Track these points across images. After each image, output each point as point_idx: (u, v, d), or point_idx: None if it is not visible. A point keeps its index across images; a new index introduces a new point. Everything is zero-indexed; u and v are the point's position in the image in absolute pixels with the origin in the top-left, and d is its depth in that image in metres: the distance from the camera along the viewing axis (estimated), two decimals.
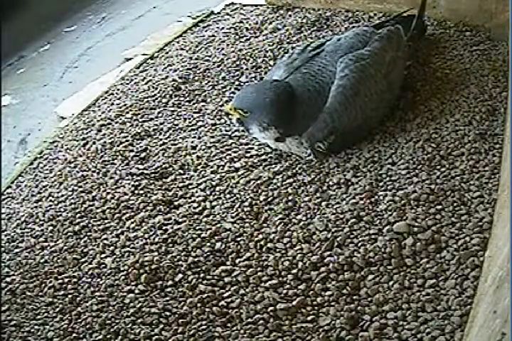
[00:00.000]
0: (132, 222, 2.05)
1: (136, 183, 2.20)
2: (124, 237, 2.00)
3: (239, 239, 1.92)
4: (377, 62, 2.18)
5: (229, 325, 1.68)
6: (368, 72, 2.14)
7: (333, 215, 1.93)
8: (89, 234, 2.05)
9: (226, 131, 2.40)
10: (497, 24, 2.61)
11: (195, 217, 2.03)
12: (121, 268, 1.88)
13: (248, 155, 2.25)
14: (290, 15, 3.12)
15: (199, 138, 2.39)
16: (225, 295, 1.75)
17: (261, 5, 3.27)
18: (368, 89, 2.13)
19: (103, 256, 1.96)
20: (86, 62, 3.31)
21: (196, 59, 2.90)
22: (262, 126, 2.03)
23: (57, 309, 1.81)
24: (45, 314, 1.81)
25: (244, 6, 3.34)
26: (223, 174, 2.19)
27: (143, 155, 2.35)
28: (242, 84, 2.63)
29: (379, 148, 2.17)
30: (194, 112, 2.56)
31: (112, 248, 1.98)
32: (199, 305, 1.73)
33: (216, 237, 1.94)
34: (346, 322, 1.61)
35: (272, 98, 2.00)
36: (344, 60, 2.14)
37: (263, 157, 2.23)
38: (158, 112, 2.59)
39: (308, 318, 1.65)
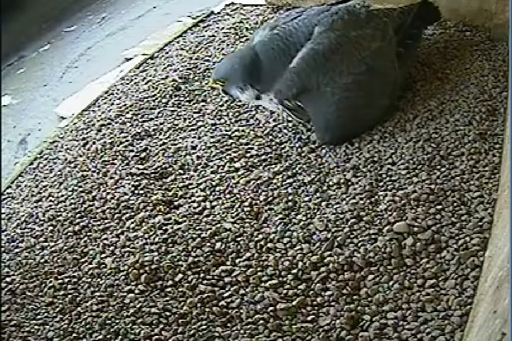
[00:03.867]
0: (132, 222, 2.05)
1: (136, 183, 2.20)
2: (124, 237, 2.00)
3: (239, 239, 1.92)
4: (358, 42, 2.19)
5: (229, 325, 1.68)
6: (346, 47, 2.17)
7: (333, 215, 1.93)
8: (89, 234, 2.05)
9: (226, 131, 2.40)
10: (497, 24, 2.61)
11: (195, 217, 2.03)
12: (121, 268, 1.88)
13: (248, 155, 2.25)
14: None
15: (199, 138, 2.39)
16: (225, 295, 1.75)
17: (261, 5, 3.27)
18: (341, 61, 2.15)
19: (103, 256, 1.96)
20: (86, 62, 3.31)
21: (196, 59, 2.90)
22: (241, 88, 2.20)
23: (57, 309, 1.81)
24: (45, 314, 1.81)
25: (244, 6, 3.34)
26: (223, 174, 2.19)
27: (143, 155, 2.35)
28: None
29: (379, 148, 2.17)
30: (194, 112, 2.56)
31: (112, 248, 1.98)
32: (199, 305, 1.74)
33: (216, 237, 1.94)
34: (346, 322, 1.61)
35: (239, 64, 2.20)
36: (325, 30, 2.17)
37: (263, 157, 2.23)
38: (158, 112, 2.59)
39: (308, 318, 1.65)
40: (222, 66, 2.27)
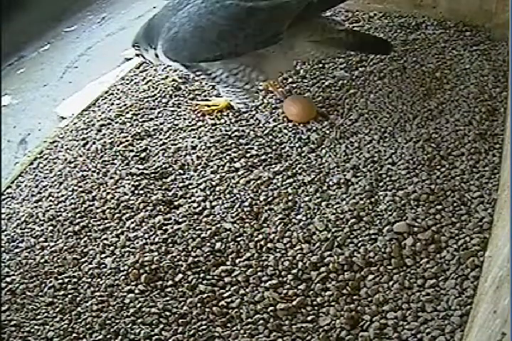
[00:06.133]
0: (132, 222, 2.05)
1: (136, 183, 2.20)
2: (124, 237, 2.00)
3: (239, 239, 1.92)
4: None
5: (229, 325, 1.68)
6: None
7: (333, 215, 1.93)
8: (89, 234, 2.05)
9: (226, 131, 2.40)
10: (497, 24, 2.62)
11: (195, 217, 2.03)
12: (121, 268, 1.88)
13: (248, 155, 2.25)
14: None
15: (199, 138, 2.39)
16: (225, 295, 1.75)
17: None
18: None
19: (103, 256, 1.95)
20: (86, 62, 3.30)
21: None
22: (145, 49, 2.33)
23: (57, 309, 1.81)
24: (45, 314, 1.81)
25: None
26: (223, 174, 2.19)
27: (143, 155, 2.35)
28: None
29: (379, 148, 2.17)
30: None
31: (112, 248, 1.98)
32: (199, 305, 1.74)
33: (216, 237, 1.94)
34: (346, 322, 1.61)
35: (142, 29, 2.35)
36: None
37: (263, 157, 2.23)
38: (158, 112, 2.59)
39: (308, 318, 1.66)
40: (136, 34, 2.40)
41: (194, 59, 2.20)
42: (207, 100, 2.60)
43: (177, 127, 2.48)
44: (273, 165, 2.19)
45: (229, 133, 2.38)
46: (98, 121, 2.60)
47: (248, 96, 2.32)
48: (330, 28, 2.30)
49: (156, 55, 2.29)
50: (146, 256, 1.89)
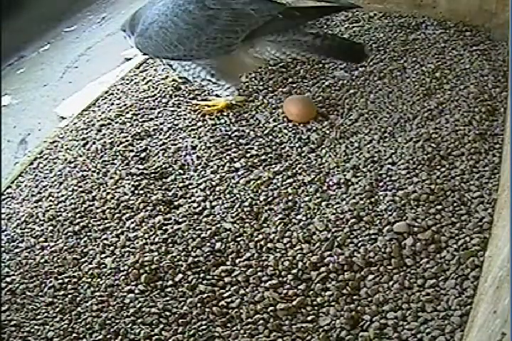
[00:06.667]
0: (132, 222, 2.05)
1: (136, 183, 2.20)
2: (124, 237, 2.00)
3: (239, 239, 1.92)
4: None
5: (229, 325, 1.68)
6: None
7: (333, 215, 1.93)
8: (89, 234, 2.05)
9: (226, 131, 2.40)
10: (497, 24, 2.62)
11: (195, 217, 2.03)
12: (121, 268, 1.88)
13: (248, 155, 2.25)
14: None
15: (199, 138, 2.39)
16: (225, 295, 1.75)
17: None
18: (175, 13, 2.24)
19: (103, 256, 1.95)
20: (86, 62, 3.30)
21: None
22: (129, 35, 2.49)
23: (57, 309, 1.81)
24: (45, 314, 1.80)
25: None
26: (223, 174, 2.19)
27: (143, 155, 2.35)
28: (242, 84, 2.63)
29: (379, 148, 2.18)
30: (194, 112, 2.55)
31: (111, 248, 1.98)
32: (199, 305, 1.74)
33: (216, 237, 1.94)
34: (346, 322, 1.61)
35: (129, 17, 2.49)
36: None
37: (263, 157, 2.23)
38: (158, 112, 2.59)
39: (308, 318, 1.65)
40: (126, 19, 2.53)
41: (157, 56, 2.40)
42: (207, 100, 2.60)
43: (177, 127, 2.48)
44: (273, 165, 2.19)
45: (229, 133, 2.38)
46: (98, 121, 2.60)
47: (229, 86, 2.39)
48: (296, 30, 2.26)
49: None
50: (146, 256, 1.89)
